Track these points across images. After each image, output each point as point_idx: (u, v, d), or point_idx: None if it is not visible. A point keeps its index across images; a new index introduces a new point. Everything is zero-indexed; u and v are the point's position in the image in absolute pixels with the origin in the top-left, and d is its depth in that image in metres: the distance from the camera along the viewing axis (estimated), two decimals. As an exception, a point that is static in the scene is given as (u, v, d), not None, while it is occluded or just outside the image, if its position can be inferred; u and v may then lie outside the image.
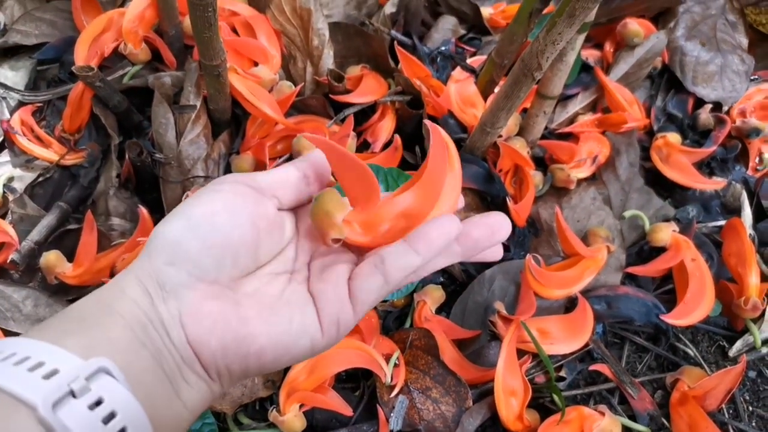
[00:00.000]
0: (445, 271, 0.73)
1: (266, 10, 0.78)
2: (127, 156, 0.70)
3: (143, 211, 0.67)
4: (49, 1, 0.87)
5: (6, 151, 0.78)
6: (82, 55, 0.75)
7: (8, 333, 0.63)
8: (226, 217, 0.34)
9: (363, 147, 0.76)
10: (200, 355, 0.33)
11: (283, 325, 0.34)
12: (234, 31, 0.78)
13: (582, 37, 0.67)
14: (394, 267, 0.34)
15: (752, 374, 0.68)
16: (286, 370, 0.60)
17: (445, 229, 0.34)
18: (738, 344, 0.68)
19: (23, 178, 0.76)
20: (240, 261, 0.35)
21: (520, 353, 0.64)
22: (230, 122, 0.76)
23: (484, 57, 0.80)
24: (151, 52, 0.77)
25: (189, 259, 0.33)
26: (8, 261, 0.67)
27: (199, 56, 0.63)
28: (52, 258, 0.66)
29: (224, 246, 0.34)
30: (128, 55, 0.75)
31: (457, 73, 0.76)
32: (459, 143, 0.74)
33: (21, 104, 0.80)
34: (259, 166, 0.72)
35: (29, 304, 0.65)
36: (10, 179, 0.75)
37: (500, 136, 0.72)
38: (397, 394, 0.61)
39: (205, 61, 0.62)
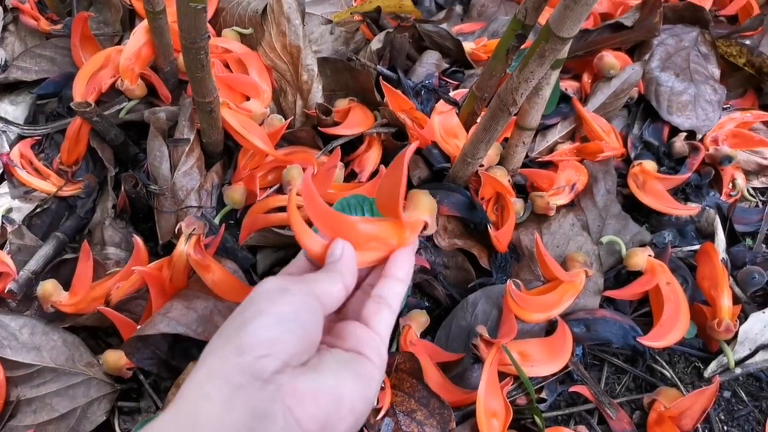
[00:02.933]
0: (430, 296, 0.75)
1: (257, 47, 0.82)
2: (122, 187, 0.73)
3: (138, 240, 0.69)
4: (49, 39, 0.90)
5: (5, 183, 0.80)
6: (80, 91, 0.78)
7: (5, 361, 0.65)
8: (307, 315, 0.39)
9: (350, 177, 0.79)
10: (306, 425, 0.35)
11: (355, 380, 0.38)
12: (227, 67, 0.81)
13: (557, 72, 0.71)
14: (393, 296, 0.43)
15: (727, 394, 0.70)
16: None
17: (411, 258, 0.45)
18: (713, 365, 0.70)
19: (21, 209, 0.78)
20: (314, 348, 0.39)
21: (502, 375, 0.66)
22: (223, 154, 0.79)
23: (466, 90, 0.84)
24: (146, 88, 0.81)
25: (284, 350, 0.36)
26: (6, 290, 0.69)
27: (192, 93, 0.66)
28: (48, 287, 0.68)
29: (308, 337, 0.38)
30: (125, 91, 0.79)
31: (440, 105, 0.79)
32: (442, 172, 0.77)
33: (20, 138, 0.83)
34: (251, 195, 0.75)
35: (26, 333, 0.67)
36: (9, 210, 0.78)
37: (482, 165, 0.75)
38: (383, 417, 0.63)
39: (198, 98, 0.65)
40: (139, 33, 0.77)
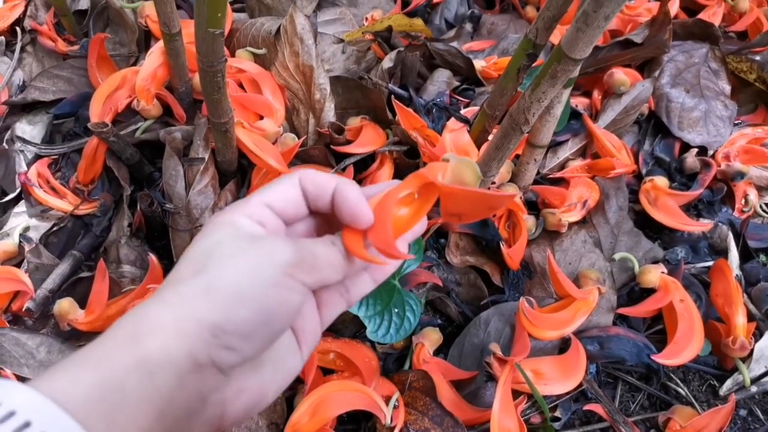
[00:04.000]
0: (442, 314, 0.75)
1: (271, 66, 0.83)
2: (138, 206, 0.74)
3: (153, 258, 0.70)
4: (66, 60, 0.92)
5: (23, 201, 0.82)
6: (97, 111, 0.79)
7: (21, 379, 0.65)
8: (286, 320, 0.35)
9: (363, 195, 0.79)
10: (225, 420, 0.35)
11: (284, 376, 0.37)
12: (241, 86, 0.82)
13: (568, 91, 0.71)
14: (357, 295, 0.41)
15: (743, 413, 0.70)
16: (289, 412, 0.62)
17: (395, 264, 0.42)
18: (728, 383, 0.70)
19: (39, 228, 0.79)
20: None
21: (516, 394, 0.66)
22: (236, 172, 0.80)
23: (477, 107, 0.84)
24: (162, 107, 0.82)
25: (249, 352, 0.34)
26: (23, 309, 0.70)
27: (208, 114, 0.67)
28: (65, 305, 0.69)
29: (275, 337, 0.36)
30: (141, 111, 0.80)
31: (452, 123, 0.80)
32: (454, 190, 0.78)
33: (38, 157, 0.85)
34: (264, 214, 0.75)
35: (43, 351, 0.67)
36: (26, 229, 0.79)
37: (493, 182, 0.76)
38: (397, 436, 0.63)
39: (214, 119, 0.66)
40: (155, 54, 0.79)
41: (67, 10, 0.93)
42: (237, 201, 0.39)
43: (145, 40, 0.91)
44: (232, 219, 0.36)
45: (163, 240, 0.77)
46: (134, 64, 0.90)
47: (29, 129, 0.88)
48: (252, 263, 0.34)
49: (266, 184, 0.40)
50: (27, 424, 0.25)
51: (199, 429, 0.33)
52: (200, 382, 0.32)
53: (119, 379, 0.29)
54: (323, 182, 0.38)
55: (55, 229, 0.79)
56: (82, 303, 0.70)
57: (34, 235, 0.79)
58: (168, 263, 0.76)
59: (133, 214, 0.76)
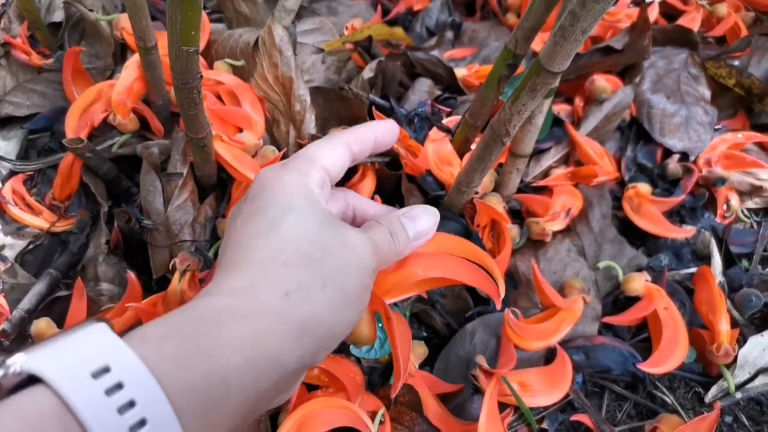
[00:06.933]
0: (428, 326, 0.75)
1: (250, 78, 0.82)
2: (115, 223, 0.73)
3: (131, 275, 0.69)
4: (41, 73, 0.90)
5: (-3, 219, 0.80)
6: (73, 126, 0.78)
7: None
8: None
9: (345, 207, 0.78)
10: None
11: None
12: (219, 99, 0.81)
13: (549, 100, 0.71)
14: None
15: (728, 419, 0.70)
16: (273, 430, 0.61)
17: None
18: (713, 390, 0.70)
19: (14, 246, 0.78)
20: None
21: (503, 406, 0.65)
22: (216, 186, 0.78)
23: (459, 117, 0.84)
24: (139, 121, 0.80)
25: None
26: (-1, 330, 0.68)
27: (185, 129, 0.66)
28: (42, 325, 0.67)
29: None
30: (117, 126, 0.78)
31: (434, 133, 0.80)
32: (437, 200, 0.77)
33: (12, 173, 0.83)
34: (245, 228, 0.74)
35: (19, 374, 0.65)
36: (1, 247, 0.77)
37: (476, 193, 0.75)
38: (383, 453, 0.62)
39: (191, 134, 0.65)
40: (131, 67, 0.77)
41: (41, 22, 0.91)
42: (299, 157, 0.40)
43: (122, 52, 0.90)
44: (307, 184, 0.39)
45: (142, 257, 0.75)
46: (110, 77, 0.88)
47: (3, 145, 0.86)
48: (352, 264, 0.37)
49: (319, 141, 0.41)
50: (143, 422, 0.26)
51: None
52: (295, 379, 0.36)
53: (225, 377, 0.29)
54: (367, 138, 0.46)
55: (31, 247, 0.78)
56: (60, 323, 0.69)
57: (10, 253, 0.77)
58: (147, 280, 0.74)
59: (111, 231, 0.75)
